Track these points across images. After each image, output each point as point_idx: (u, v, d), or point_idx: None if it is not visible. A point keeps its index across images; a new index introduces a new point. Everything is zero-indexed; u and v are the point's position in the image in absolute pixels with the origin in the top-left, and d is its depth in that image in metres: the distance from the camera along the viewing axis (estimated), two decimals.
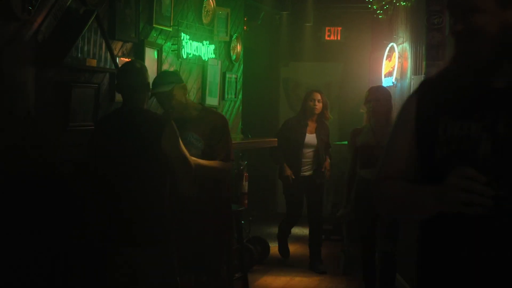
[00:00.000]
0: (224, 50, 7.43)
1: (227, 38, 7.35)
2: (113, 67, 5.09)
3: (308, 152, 7.33)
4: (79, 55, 4.69)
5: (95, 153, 4.08)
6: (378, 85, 5.91)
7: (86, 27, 4.68)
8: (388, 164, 2.20)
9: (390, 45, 7.73)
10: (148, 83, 4.08)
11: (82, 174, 4.19)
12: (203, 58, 6.53)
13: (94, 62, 4.85)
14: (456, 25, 2.01)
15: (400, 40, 7.38)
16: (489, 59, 1.98)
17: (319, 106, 7.27)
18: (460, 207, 1.84)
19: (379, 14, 8.21)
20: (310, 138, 7.30)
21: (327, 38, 11.06)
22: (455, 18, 2.05)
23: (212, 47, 6.69)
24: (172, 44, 6.06)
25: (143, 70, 4.07)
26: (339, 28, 11.09)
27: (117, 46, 5.29)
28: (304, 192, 7.45)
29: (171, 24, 6.04)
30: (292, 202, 7.53)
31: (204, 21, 6.71)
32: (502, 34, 1.97)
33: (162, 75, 4.86)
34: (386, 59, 7.87)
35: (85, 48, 4.75)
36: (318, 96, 7.30)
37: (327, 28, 11.07)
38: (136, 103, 3.98)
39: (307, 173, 7.35)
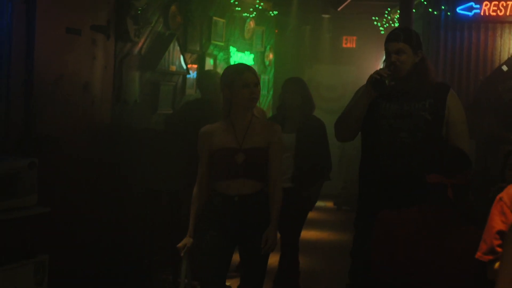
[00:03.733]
0: (260, 58, 9.79)
1: (262, 49, 9.73)
2: (184, 70, 7.45)
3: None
4: (165, 63, 7.05)
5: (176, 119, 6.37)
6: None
7: (170, 45, 7.04)
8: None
9: None
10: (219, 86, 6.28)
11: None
12: None
13: (174, 68, 7.21)
14: (390, 57, 4.15)
15: None
16: (404, 77, 4.12)
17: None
18: (375, 77, 3.83)
19: (380, 30, 10.40)
20: None
21: (344, 45, 13.01)
22: (389, 53, 4.17)
23: (252, 56, 9.08)
24: (223, 55, 8.42)
25: (218, 76, 6.31)
26: (355, 37, 13.10)
27: (187, 56, 7.64)
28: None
29: (223, 40, 8.40)
30: None
31: (246, 37, 9.09)
32: (412, 66, 4.13)
33: None
34: (383, 61, 9.97)
35: (169, 58, 7.11)
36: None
37: (344, 37, 13.01)
38: (209, 96, 6.27)
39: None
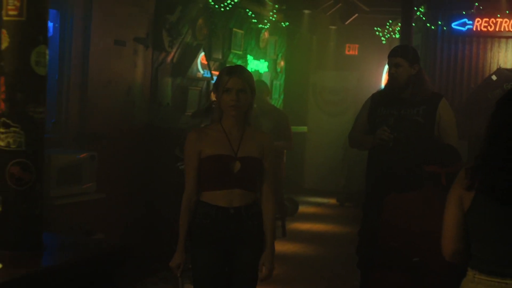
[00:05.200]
0: (273, 65, 10.70)
1: (275, 57, 10.64)
2: (209, 77, 8.33)
3: None
4: (193, 70, 7.93)
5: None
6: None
7: (198, 55, 7.92)
8: (355, 126, 5.18)
9: None
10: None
11: None
12: (260, 71, 9.83)
13: (200, 75, 8.10)
14: (391, 70, 5.06)
15: None
16: (401, 86, 5.04)
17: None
18: (379, 141, 4.83)
19: (382, 40, 11.31)
20: None
21: (347, 52, 13.79)
22: (389, 66, 5.09)
23: (266, 63, 9.98)
24: (241, 62, 9.31)
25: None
26: (357, 45, 13.84)
27: (211, 64, 8.52)
28: None
29: (241, 49, 9.30)
30: None
31: (261, 46, 10.01)
32: (408, 77, 5.02)
33: None
34: (386, 73, 10.81)
35: (196, 66, 7.99)
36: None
37: (347, 45, 13.77)
38: None
39: None
